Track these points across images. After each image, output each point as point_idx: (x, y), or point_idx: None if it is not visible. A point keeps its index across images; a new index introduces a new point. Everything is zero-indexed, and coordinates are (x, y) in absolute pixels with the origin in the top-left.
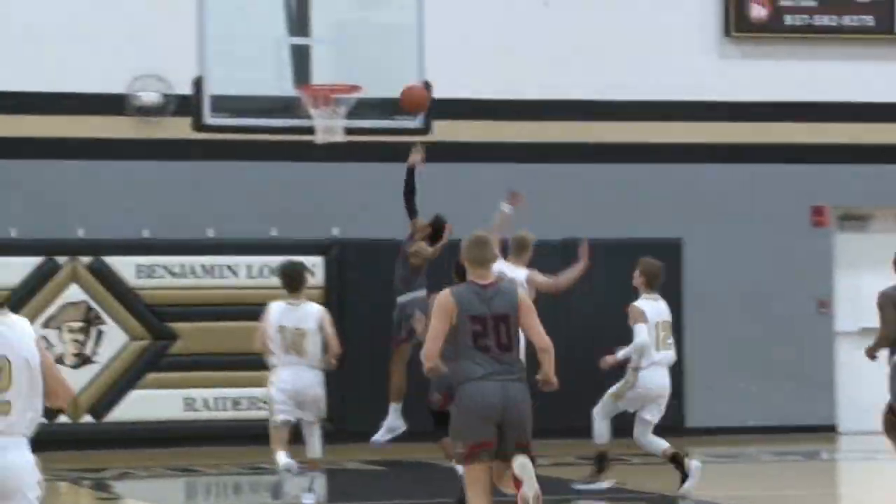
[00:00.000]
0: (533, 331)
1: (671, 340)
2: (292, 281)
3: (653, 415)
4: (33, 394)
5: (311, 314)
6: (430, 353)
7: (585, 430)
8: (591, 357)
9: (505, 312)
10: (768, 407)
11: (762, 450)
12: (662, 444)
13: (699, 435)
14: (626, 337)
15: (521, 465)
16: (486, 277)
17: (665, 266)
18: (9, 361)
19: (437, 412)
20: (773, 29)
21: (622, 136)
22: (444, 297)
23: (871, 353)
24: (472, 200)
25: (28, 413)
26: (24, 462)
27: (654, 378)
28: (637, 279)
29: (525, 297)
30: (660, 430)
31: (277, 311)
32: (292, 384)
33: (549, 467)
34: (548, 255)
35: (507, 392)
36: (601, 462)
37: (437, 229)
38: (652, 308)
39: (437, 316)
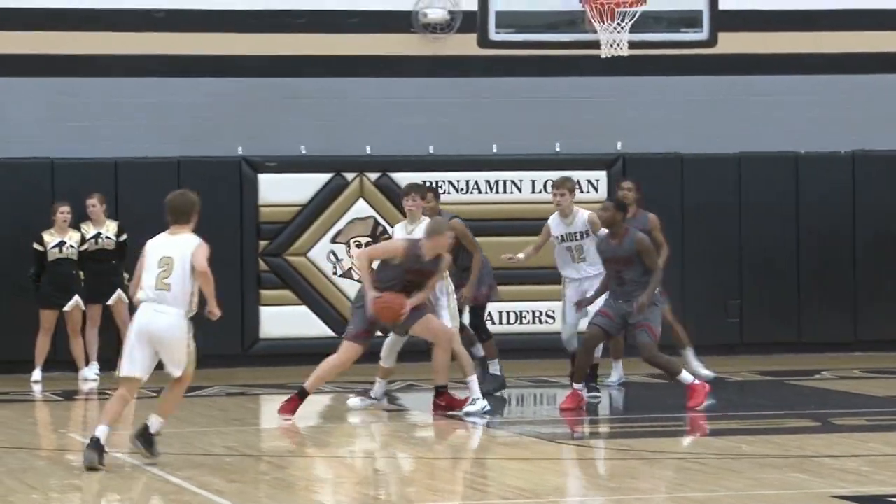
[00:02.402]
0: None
1: None
2: None
3: None
4: (186, 284)
5: None
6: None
7: None
8: None
9: None
10: None
11: None
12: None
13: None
14: None
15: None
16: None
17: None
18: (173, 259)
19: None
20: None
21: None
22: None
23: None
24: (756, 111)
25: (182, 295)
26: (174, 324)
27: None
28: None
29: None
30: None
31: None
32: None
33: None
34: (838, 165)
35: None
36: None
37: None
38: None
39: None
